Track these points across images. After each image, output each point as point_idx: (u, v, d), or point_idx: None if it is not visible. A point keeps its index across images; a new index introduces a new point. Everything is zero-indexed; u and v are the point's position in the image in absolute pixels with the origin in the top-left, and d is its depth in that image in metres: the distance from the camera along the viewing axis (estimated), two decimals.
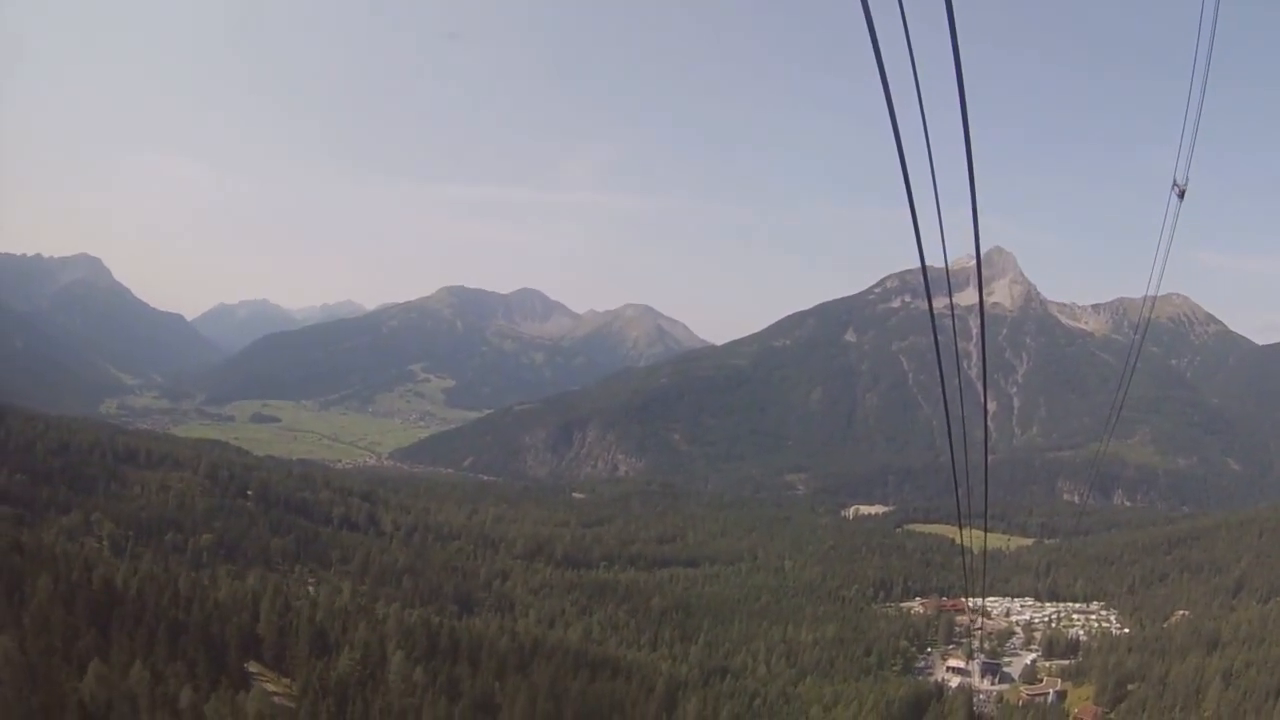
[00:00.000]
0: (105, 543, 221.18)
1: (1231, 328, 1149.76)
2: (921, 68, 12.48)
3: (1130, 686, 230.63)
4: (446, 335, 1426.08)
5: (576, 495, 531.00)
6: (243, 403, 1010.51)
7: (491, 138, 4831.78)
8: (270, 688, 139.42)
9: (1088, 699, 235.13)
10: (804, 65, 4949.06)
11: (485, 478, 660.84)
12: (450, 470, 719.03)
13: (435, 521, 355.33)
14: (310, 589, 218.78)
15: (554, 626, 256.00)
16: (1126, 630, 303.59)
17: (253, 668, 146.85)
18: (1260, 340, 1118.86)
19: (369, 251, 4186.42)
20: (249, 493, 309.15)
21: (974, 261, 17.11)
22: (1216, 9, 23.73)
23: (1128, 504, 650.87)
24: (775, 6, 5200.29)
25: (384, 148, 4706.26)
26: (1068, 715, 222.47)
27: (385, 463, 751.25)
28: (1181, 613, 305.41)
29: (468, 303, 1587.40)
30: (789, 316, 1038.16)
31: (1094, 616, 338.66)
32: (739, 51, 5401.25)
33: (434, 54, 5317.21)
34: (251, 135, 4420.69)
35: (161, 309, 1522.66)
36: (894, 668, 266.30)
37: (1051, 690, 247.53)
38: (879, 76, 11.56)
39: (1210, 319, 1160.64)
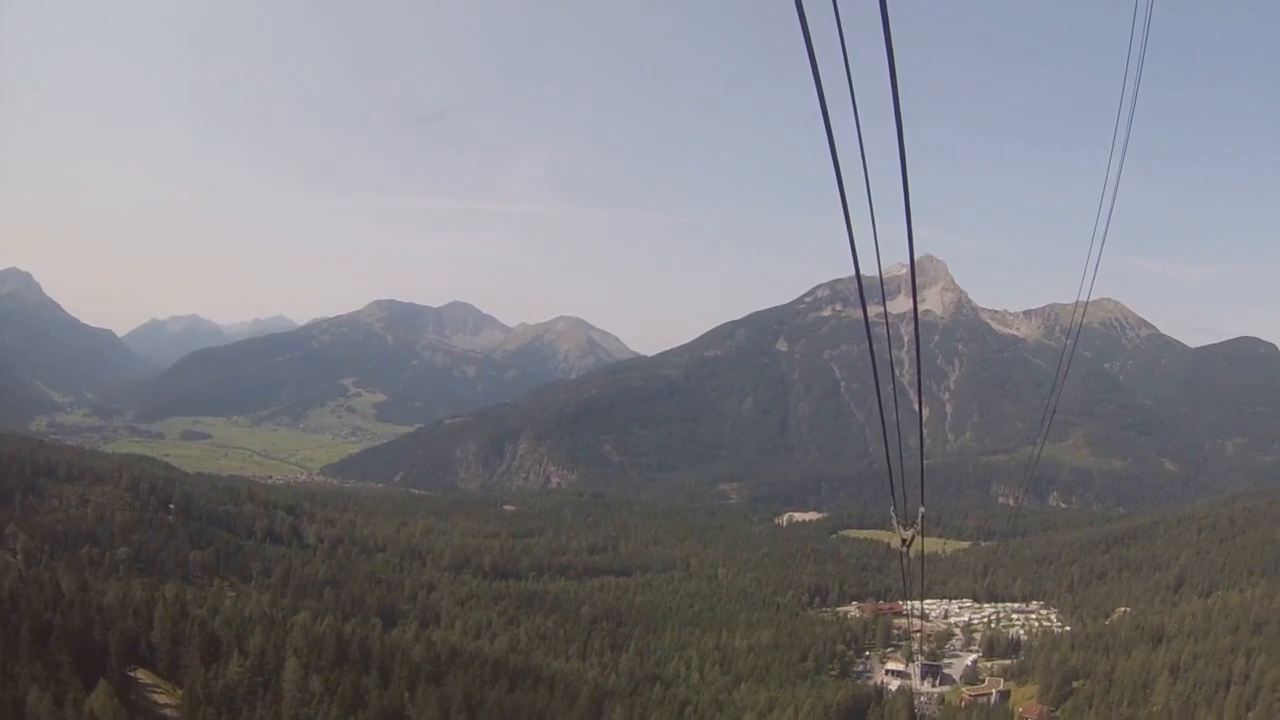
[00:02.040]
0: (19, 555, 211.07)
1: (1163, 331, 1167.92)
2: (855, 74, 11.99)
3: (1075, 684, 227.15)
4: (377, 349, 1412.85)
5: (508, 507, 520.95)
6: (174, 419, 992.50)
7: (425, 148, 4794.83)
8: (161, 698, 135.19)
9: (1032, 698, 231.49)
10: (737, 73, 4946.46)
11: (416, 491, 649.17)
12: (381, 485, 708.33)
13: (361, 534, 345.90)
14: (229, 601, 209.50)
15: (480, 637, 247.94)
16: (1068, 628, 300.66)
17: (144, 676, 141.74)
18: (1192, 343, 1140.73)
19: (300, 265, 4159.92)
20: (171, 506, 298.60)
21: (905, 270, 18.16)
22: (1149, 15, 23.52)
23: (1063, 505, 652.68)
24: (705, 14, 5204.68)
25: (315, 158, 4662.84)
26: (1012, 715, 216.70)
27: (316, 478, 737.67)
28: (1123, 609, 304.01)
29: (399, 316, 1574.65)
30: (720, 326, 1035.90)
31: (1034, 616, 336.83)
32: (673, 61, 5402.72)
33: (368, 63, 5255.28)
34: (182, 147, 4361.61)
35: (92, 325, 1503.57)
36: (832, 672, 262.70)
37: (994, 690, 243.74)
38: (813, 84, 11.18)
39: (1142, 323, 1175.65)
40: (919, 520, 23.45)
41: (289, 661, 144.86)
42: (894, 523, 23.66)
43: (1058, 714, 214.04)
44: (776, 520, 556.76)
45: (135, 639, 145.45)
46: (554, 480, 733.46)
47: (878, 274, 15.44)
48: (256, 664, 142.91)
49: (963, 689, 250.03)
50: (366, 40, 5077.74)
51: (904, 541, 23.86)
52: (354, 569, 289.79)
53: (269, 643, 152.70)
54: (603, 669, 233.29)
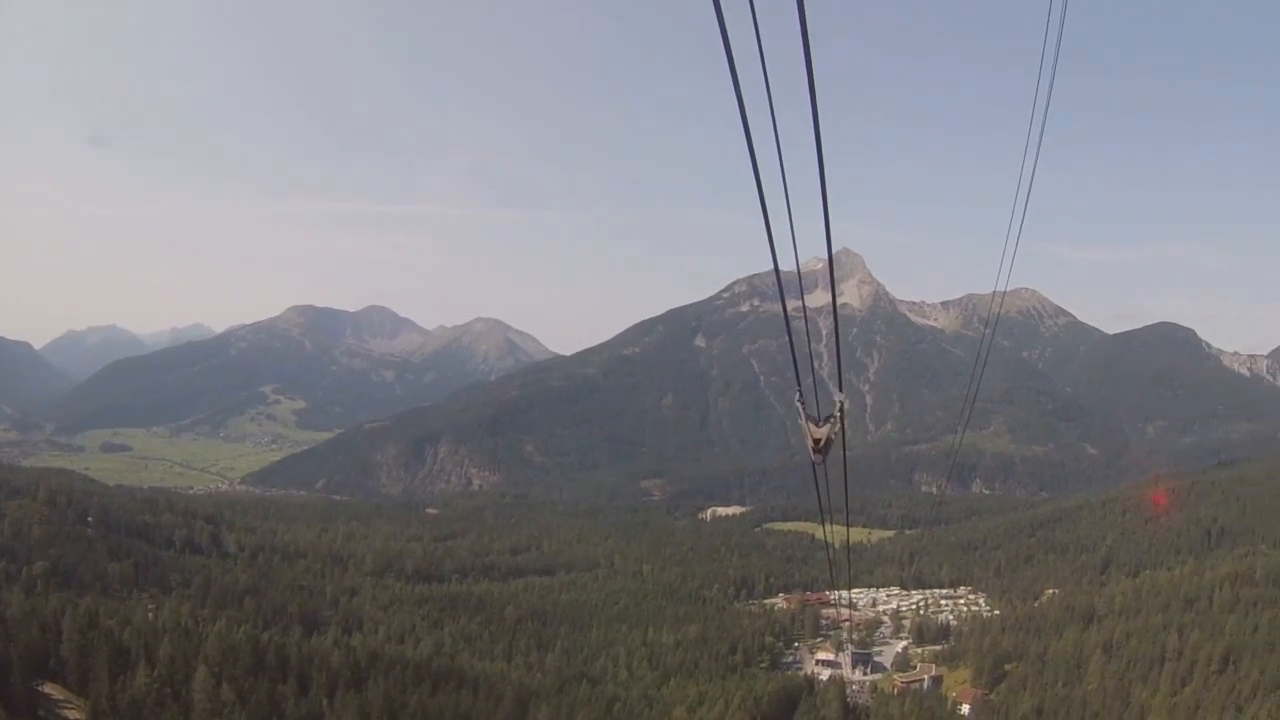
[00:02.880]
0: None
1: (1081, 319, 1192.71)
2: (771, 69, 12.09)
3: (1008, 666, 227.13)
4: (296, 355, 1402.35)
5: (430, 511, 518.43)
6: (94, 432, 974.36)
7: (341, 149, 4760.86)
8: (71, 713, 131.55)
9: (965, 682, 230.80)
10: (650, 72, 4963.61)
11: (337, 498, 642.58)
12: (303, 492, 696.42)
13: (282, 542, 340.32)
14: (150, 614, 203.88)
15: (404, 641, 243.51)
16: (997, 612, 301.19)
17: (53, 690, 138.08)
18: (1110, 330, 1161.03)
19: (217, 272, 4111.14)
20: (89, 519, 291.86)
21: (822, 264, 24.05)
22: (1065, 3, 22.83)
23: (986, 492, 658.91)
24: (618, 12, 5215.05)
25: (229, 161, 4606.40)
26: (946, 699, 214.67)
27: (238, 488, 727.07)
28: (1051, 591, 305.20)
29: (316, 322, 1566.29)
30: (638, 324, 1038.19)
31: (962, 601, 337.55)
32: (586, 60, 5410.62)
33: (281, 63, 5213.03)
34: (89, 154, 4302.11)
35: (9, 338, 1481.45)
36: (761, 664, 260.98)
37: (926, 676, 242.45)
38: (730, 80, 11.27)
39: (1060, 311, 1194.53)
40: (837, 411, 19.55)
41: (199, 671, 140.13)
42: (801, 419, 19.73)
43: (992, 697, 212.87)
44: (700, 515, 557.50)
45: (44, 652, 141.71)
46: (476, 482, 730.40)
47: (795, 269, 15.50)
48: (166, 674, 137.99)
49: (895, 676, 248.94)
50: (274, 41, 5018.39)
51: (816, 446, 19.56)
52: (275, 576, 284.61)
53: (179, 652, 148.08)
54: (528, 669, 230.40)
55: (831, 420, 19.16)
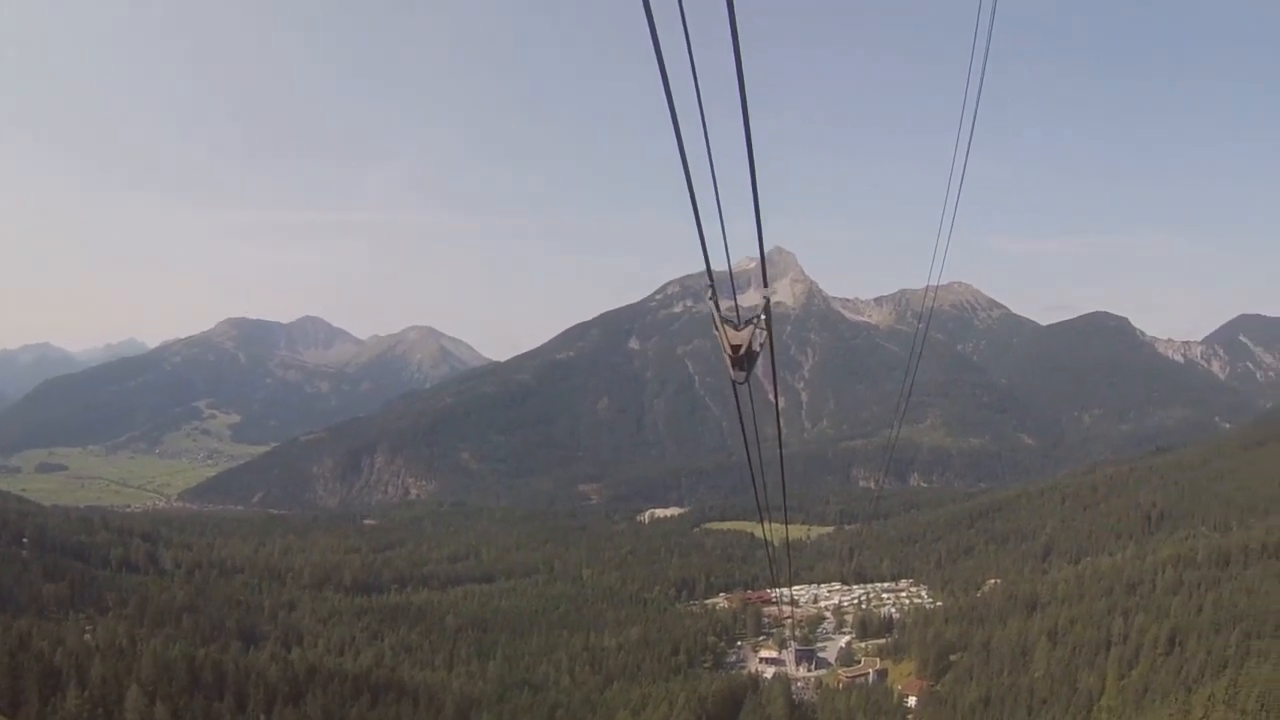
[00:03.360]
0: None
1: (1014, 311, 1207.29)
2: (700, 69, 12.36)
3: (953, 657, 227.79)
4: (230, 369, 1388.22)
5: (368, 522, 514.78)
6: (30, 452, 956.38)
7: (268, 158, 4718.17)
8: None
9: (911, 674, 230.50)
10: (579, 74, 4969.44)
11: (275, 512, 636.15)
12: (240, 507, 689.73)
13: (219, 557, 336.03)
14: (87, 634, 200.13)
15: (344, 654, 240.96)
16: (940, 604, 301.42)
17: None
18: (1044, 321, 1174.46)
19: (149, 284, 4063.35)
20: (24, 540, 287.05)
21: (755, 263, 17.06)
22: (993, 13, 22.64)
23: (924, 485, 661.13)
24: (548, 17, 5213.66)
25: (157, 171, 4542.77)
26: (892, 692, 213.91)
27: (175, 504, 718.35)
28: (993, 581, 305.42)
29: (250, 334, 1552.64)
30: (572, 328, 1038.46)
31: (904, 594, 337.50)
32: (516, 64, 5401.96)
33: (208, 69, 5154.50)
34: (15, 166, 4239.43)
35: None
36: (705, 664, 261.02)
37: (871, 670, 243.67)
38: (660, 79, 11.47)
39: (993, 304, 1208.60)
40: (761, 313, 17.00)
41: (131, 690, 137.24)
42: (715, 323, 16.51)
43: (938, 688, 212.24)
44: (638, 518, 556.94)
45: None
46: (413, 492, 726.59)
47: (727, 269, 15.23)
48: (98, 694, 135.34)
49: (839, 671, 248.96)
50: (200, 46, 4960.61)
51: (735, 356, 16.50)
52: (212, 592, 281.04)
53: (111, 672, 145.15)
54: (470, 677, 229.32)
55: (755, 324, 16.69)
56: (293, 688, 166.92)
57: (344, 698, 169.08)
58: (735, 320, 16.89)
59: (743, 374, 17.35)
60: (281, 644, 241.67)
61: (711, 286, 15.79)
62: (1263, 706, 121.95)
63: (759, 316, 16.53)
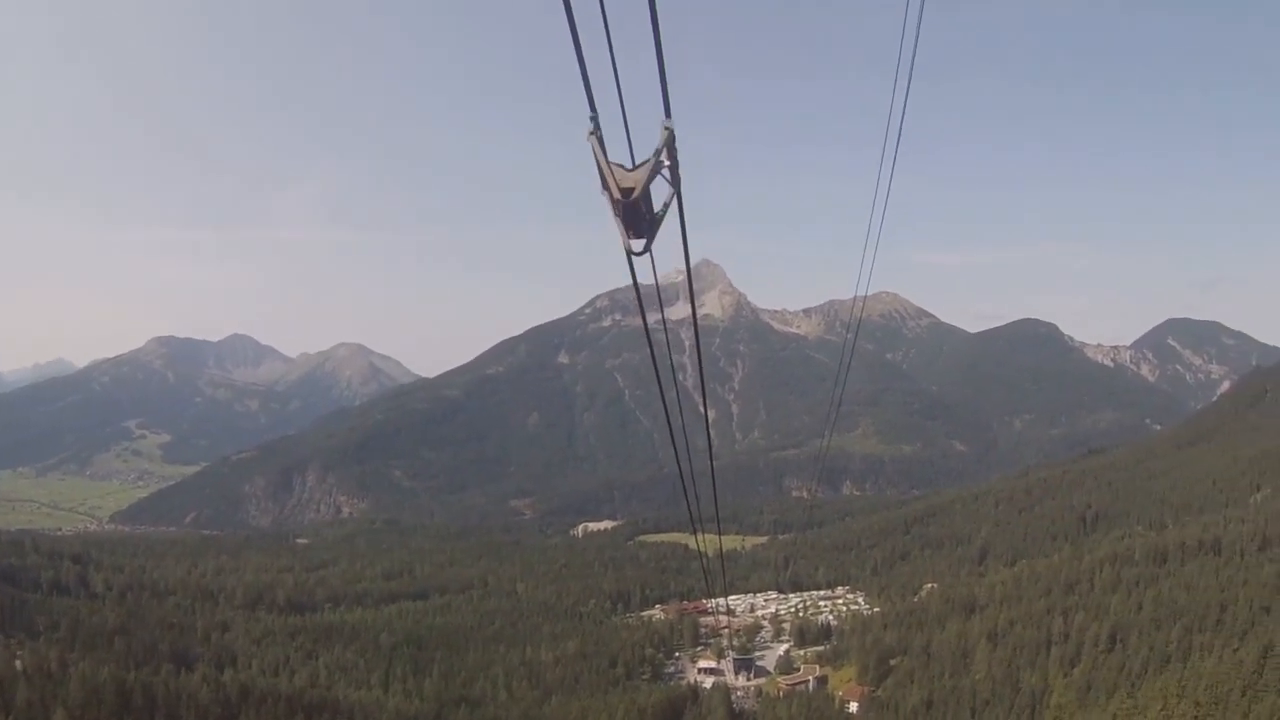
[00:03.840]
0: None
1: (943, 319, 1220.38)
2: (625, 88, 12.44)
3: (893, 661, 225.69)
4: (159, 388, 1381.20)
5: (300, 541, 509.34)
6: None
7: (198, 173, 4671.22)
8: None
9: (851, 680, 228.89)
10: (504, 92, 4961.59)
11: (207, 532, 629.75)
12: (173, 528, 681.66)
13: (151, 579, 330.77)
14: (17, 662, 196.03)
15: (278, 674, 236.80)
16: (877, 609, 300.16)
17: None
18: (972, 329, 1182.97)
19: (77, 304, 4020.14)
20: None
21: (683, 276, 18.75)
22: (920, 14, 21.77)
23: (857, 493, 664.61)
24: (467, 36, 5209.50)
25: (83, 189, 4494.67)
26: (833, 699, 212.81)
27: (107, 527, 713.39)
28: (930, 585, 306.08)
29: (179, 353, 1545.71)
30: (501, 343, 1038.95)
31: (841, 601, 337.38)
32: (439, 83, 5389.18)
33: (127, 87, 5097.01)
34: None
35: None
36: (644, 676, 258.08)
37: (811, 677, 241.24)
38: (584, 92, 11.54)
39: (922, 313, 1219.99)
40: (663, 144, 12.29)
41: (58, 714, 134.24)
42: (598, 161, 11.23)
43: (879, 693, 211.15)
44: (572, 532, 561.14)
45: None
46: (345, 510, 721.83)
47: (654, 282, 15.03)
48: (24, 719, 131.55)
49: (779, 679, 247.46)
50: (117, 63, 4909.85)
51: (625, 199, 10.95)
52: (145, 615, 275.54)
53: (37, 697, 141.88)
54: (406, 695, 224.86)
55: (652, 165, 12.01)
56: (225, 710, 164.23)
57: (277, 719, 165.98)
58: (631, 161, 12.46)
59: (640, 242, 12.42)
60: (215, 665, 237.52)
61: (594, 118, 11.59)
62: (1215, 700, 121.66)
63: (660, 149, 12.26)
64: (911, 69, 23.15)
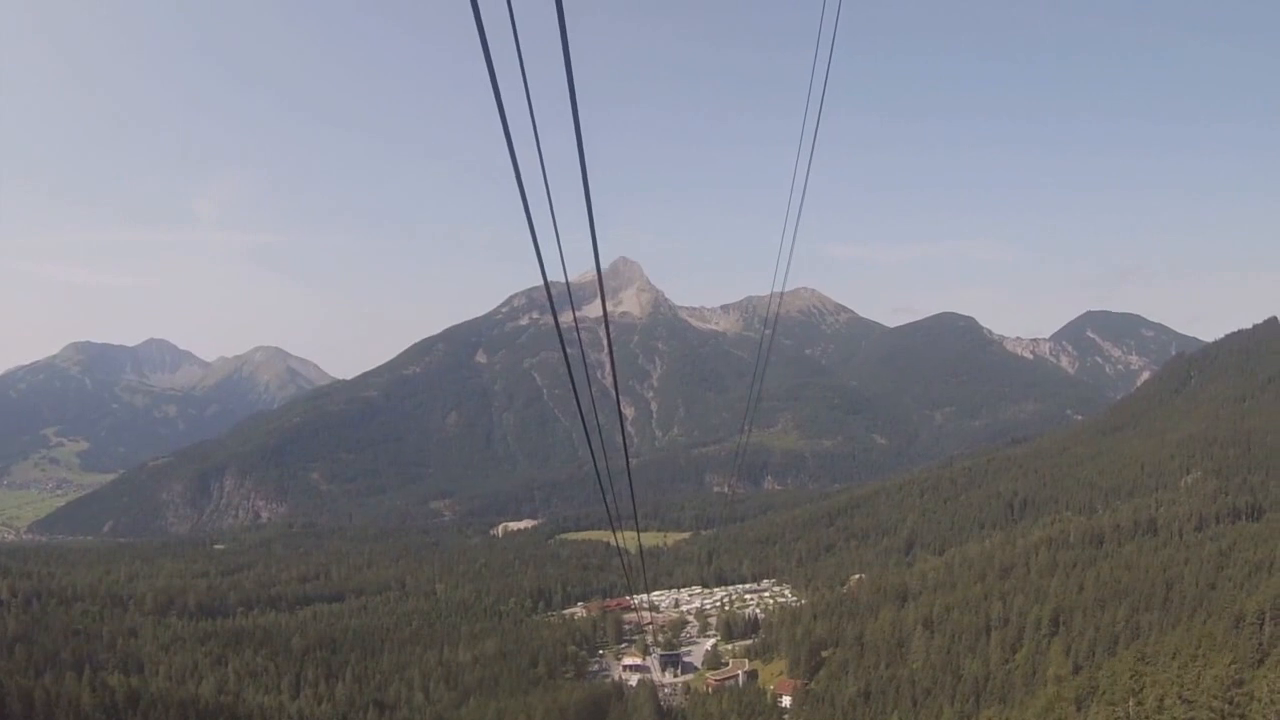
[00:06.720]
0: None
1: (861, 314, 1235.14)
2: (532, 80, 12.56)
3: (824, 653, 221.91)
4: (76, 395, 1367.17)
5: (218, 546, 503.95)
6: None
7: (106, 175, 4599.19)
8: None
9: (782, 673, 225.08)
10: (415, 86, 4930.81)
11: (124, 540, 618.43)
12: (91, 537, 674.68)
13: (59, 586, 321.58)
14: None
15: (186, 681, 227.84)
16: (805, 601, 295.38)
17: None
18: (891, 323, 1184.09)
19: None
20: None
21: (593, 275, 18.46)
22: (837, 19, 21.19)
23: (779, 488, 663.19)
24: (376, 24, 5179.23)
25: None
26: (764, 693, 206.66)
27: (25, 537, 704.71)
28: (858, 576, 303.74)
29: (96, 359, 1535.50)
30: (418, 343, 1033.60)
31: (767, 594, 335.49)
32: (346, 79, 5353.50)
33: (32, 87, 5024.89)
34: None
35: None
36: (566, 675, 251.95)
37: (740, 671, 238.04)
38: (491, 90, 11.46)
39: (840, 308, 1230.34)
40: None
41: None
42: None
43: (812, 686, 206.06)
44: (492, 532, 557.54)
45: None
46: (264, 515, 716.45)
47: (563, 279, 15.21)
48: None
49: (707, 675, 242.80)
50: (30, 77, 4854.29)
51: None
52: (49, 622, 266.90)
53: None
54: (317, 700, 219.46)
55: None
56: (109, 716, 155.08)
57: None
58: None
59: None
60: (120, 672, 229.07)
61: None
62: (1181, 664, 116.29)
63: None
64: (829, 66, 22.26)
